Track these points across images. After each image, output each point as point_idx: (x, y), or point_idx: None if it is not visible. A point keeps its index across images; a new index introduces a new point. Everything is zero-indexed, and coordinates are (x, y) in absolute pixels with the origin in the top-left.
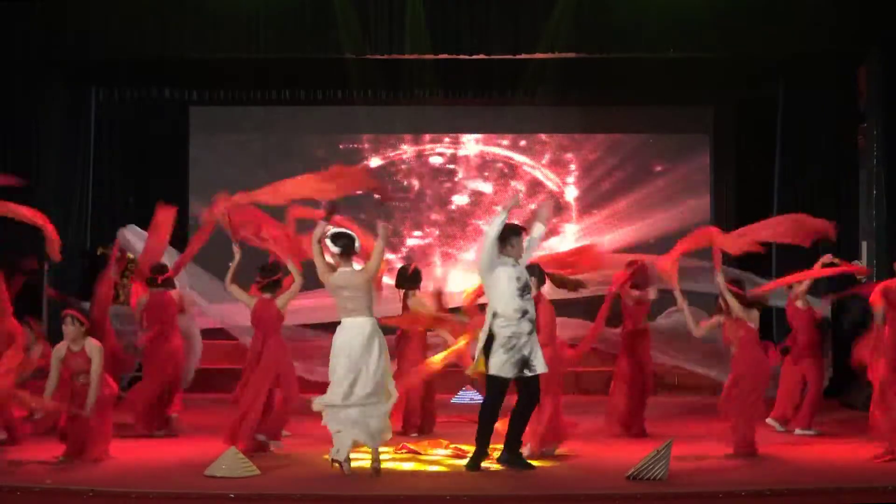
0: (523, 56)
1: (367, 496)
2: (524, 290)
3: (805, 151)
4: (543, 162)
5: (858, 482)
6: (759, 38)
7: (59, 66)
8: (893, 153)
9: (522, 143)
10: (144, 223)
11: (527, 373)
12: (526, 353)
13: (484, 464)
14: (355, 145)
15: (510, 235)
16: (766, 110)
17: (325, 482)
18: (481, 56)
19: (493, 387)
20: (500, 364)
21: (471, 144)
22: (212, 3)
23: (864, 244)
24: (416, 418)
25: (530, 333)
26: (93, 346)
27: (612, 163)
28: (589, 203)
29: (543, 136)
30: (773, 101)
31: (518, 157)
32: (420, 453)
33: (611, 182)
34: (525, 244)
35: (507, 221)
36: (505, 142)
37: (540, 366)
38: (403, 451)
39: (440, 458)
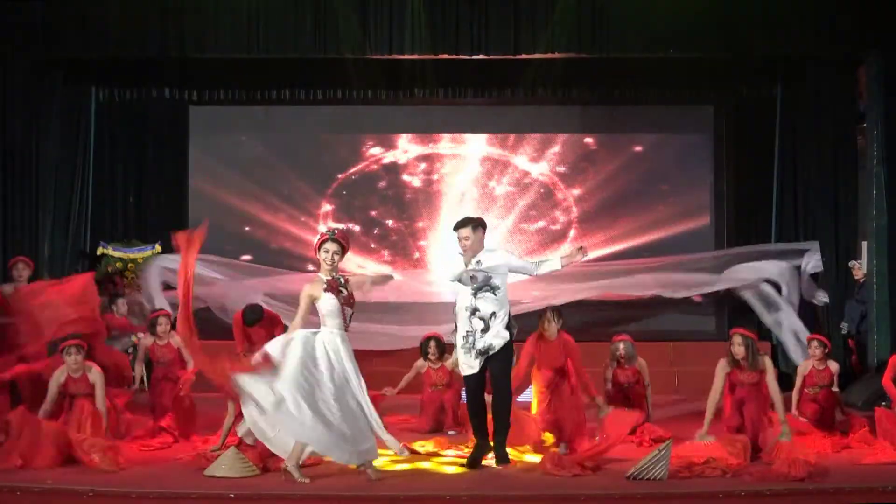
0: (523, 56)
1: (368, 496)
2: (481, 288)
3: (805, 151)
4: (543, 162)
5: (858, 482)
6: (759, 38)
7: (59, 66)
8: (893, 153)
9: (522, 142)
10: (144, 223)
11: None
12: (481, 347)
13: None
14: (355, 145)
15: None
16: (765, 110)
17: (325, 482)
18: (481, 56)
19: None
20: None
21: (470, 144)
22: (212, 3)
23: (864, 244)
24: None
25: (484, 331)
26: (95, 372)
27: (612, 162)
28: (588, 203)
29: (543, 136)
30: (773, 102)
31: (518, 157)
32: (420, 453)
33: (610, 182)
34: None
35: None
36: (505, 142)
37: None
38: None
39: (440, 457)
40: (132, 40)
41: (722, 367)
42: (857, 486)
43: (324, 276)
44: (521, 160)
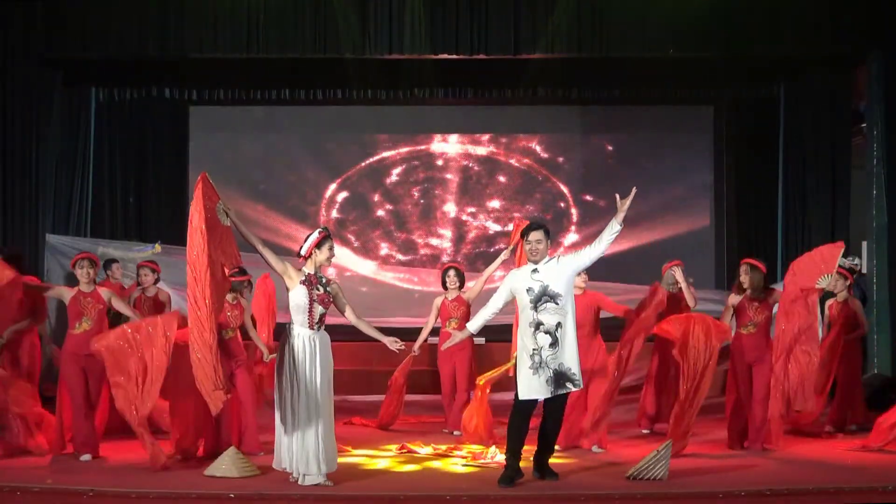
0: (523, 56)
1: (368, 496)
2: (539, 299)
3: (805, 151)
4: (542, 162)
5: (858, 482)
6: (758, 38)
7: (59, 66)
8: (893, 153)
9: (522, 143)
10: (144, 223)
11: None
12: (556, 367)
13: (482, 462)
14: (354, 145)
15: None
16: (766, 110)
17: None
18: (481, 56)
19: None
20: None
21: (470, 144)
22: (212, 3)
23: (864, 244)
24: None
25: (553, 345)
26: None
27: (612, 163)
28: (589, 203)
29: (543, 136)
30: (773, 101)
31: (518, 157)
32: (420, 453)
33: (610, 182)
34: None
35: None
36: (505, 141)
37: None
38: (404, 451)
39: (440, 458)
40: (132, 40)
41: (732, 300)
42: (857, 487)
43: (308, 269)
44: (521, 160)
